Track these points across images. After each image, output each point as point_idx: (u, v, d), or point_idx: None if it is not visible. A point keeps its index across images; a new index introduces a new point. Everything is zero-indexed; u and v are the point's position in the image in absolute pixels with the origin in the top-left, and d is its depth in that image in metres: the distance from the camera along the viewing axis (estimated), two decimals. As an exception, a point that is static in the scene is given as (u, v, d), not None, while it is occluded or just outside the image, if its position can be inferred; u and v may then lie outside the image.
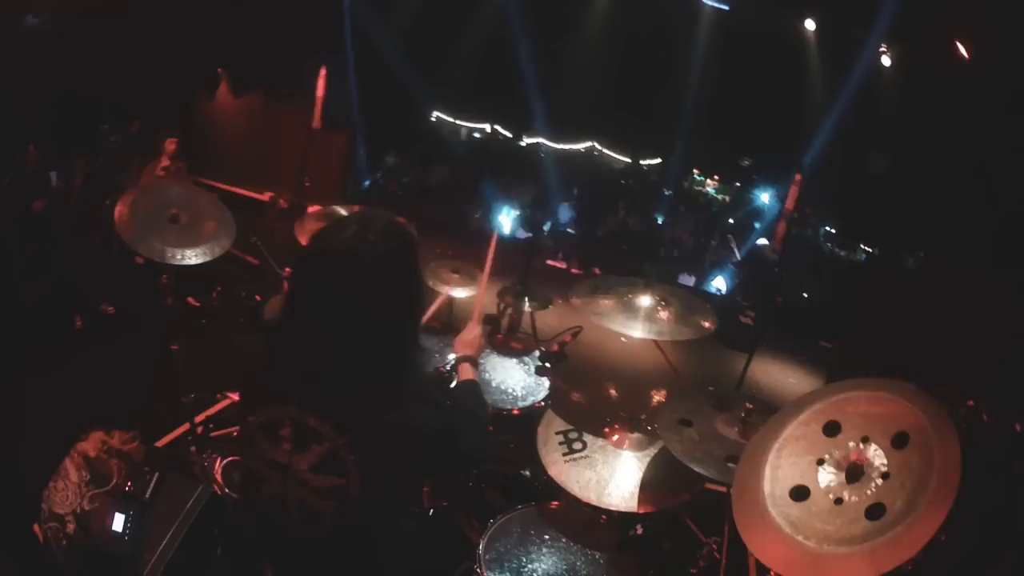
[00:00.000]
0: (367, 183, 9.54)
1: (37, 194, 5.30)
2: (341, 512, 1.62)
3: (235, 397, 3.70)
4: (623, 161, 11.07)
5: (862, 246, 9.41)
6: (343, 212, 3.59)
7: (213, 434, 3.67)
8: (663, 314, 2.96)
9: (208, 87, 8.31)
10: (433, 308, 3.24)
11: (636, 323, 2.89)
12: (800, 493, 1.79)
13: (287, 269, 4.26)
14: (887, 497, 1.64)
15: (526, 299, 3.66)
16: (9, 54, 5.88)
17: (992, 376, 5.29)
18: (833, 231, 9.70)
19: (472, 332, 2.26)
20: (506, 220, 9.74)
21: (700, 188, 10.50)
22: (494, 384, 3.29)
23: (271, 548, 1.86)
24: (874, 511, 1.64)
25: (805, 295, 8.27)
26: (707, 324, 2.95)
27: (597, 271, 8.42)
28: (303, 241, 3.43)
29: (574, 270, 8.17)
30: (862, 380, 1.87)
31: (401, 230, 1.60)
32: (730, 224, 9.93)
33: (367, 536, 1.76)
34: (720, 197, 10.33)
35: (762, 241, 9.08)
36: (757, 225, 9.95)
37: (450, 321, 3.81)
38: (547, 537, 2.51)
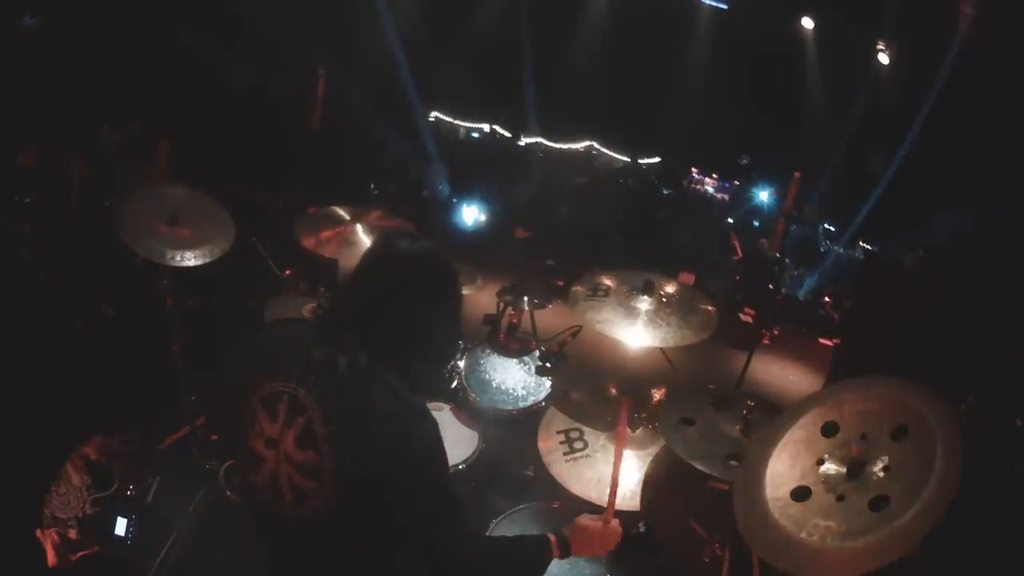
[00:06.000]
0: (374, 190, 9.50)
1: (35, 196, 5.29)
2: (323, 495, 1.67)
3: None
4: (622, 160, 11.06)
5: (862, 244, 9.38)
6: (342, 212, 3.59)
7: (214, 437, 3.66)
8: (665, 307, 2.93)
9: (206, 87, 8.30)
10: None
11: (638, 328, 2.83)
12: (801, 493, 1.79)
13: (287, 271, 4.27)
14: (890, 489, 1.64)
15: (526, 298, 3.66)
16: (9, 54, 5.87)
17: (992, 376, 5.29)
18: (832, 228, 9.68)
19: (600, 530, 2.04)
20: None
21: (699, 187, 10.47)
22: (494, 384, 3.29)
23: (273, 548, 1.86)
24: (877, 503, 1.64)
25: (827, 298, 8.29)
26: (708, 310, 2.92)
27: (597, 271, 8.37)
28: (303, 242, 3.43)
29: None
30: (855, 381, 1.87)
31: (433, 252, 1.80)
32: (729, 223, 9.91)
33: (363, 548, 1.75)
34: (719, 196, 10.30)
35: (762, 240, 9.07)
36: (756, 224, 9.92)
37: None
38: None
